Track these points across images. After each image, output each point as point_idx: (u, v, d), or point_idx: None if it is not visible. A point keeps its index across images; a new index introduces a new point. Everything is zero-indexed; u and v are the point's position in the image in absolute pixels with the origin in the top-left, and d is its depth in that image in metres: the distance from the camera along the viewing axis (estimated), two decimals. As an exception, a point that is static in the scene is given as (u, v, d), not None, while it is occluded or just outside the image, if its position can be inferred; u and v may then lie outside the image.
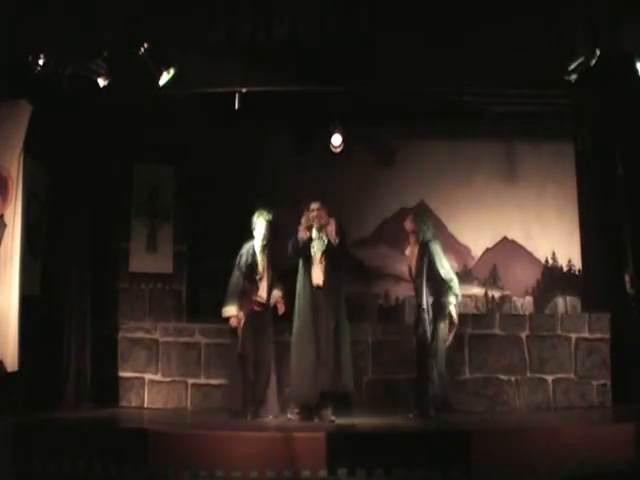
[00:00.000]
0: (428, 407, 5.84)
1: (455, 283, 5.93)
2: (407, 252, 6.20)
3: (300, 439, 5.04)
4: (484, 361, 6.53)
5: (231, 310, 6.02)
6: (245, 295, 6.04)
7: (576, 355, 6.59)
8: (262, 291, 6.10)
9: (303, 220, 6.00)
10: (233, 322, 6.02)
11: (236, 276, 6.08)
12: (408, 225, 6.13)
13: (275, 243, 6.20)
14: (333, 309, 5.88)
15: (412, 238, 6.11)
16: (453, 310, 5.88)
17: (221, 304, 6.08)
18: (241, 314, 6.01)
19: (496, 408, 6.45)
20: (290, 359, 6.01)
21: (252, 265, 6.07)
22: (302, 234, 5.97)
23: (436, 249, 6.00)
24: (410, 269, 6.13)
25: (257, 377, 6.00)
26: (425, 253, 5.98)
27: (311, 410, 5.82)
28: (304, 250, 5.96)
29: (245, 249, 6.14)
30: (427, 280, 5.92)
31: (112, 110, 6.54)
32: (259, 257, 6.12)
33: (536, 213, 7.86)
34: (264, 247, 6.12)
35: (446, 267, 5.97)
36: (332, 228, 5.93)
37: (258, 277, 6.09)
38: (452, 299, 5.89)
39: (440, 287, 5.90)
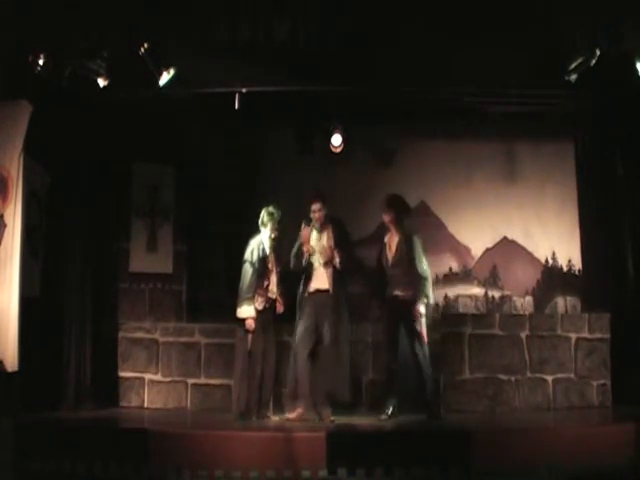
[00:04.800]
0: (433, 405, 5.85)
1: (428, 283, 5.88)
2: (386, 239, 6.06)
3: (300, 439, 5.04)
4: (484, 361, 6.52)
5: (248, 311, 5.90)
6: (257, 292, 5.93)
7: (576, 355, 6.58)
8: (272, 286, 6.02)
9: (303, 233, 5.90)
10: (250, 324, 5.88)
11: (249, 273, 5.95)
12: (386, 217, 6.03)
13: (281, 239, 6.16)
14: (337, 314, 5.85)
15: (392, 228, 6.02)
16: (421, 309, 5.78)
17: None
18: (255, 313, 5.91)
19: (496, 408, 6.44)
20: (290, 363, 5.98)
21: (263, 260, 5.99)
22: (305, 248, 5.90)
23: (418, 244, 5.92)
24: (387, 258, 6.00)
25: (263, 377, 5.94)
26: (408, 244, 5.89)
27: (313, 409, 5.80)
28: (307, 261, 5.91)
29: (254, 244, 6.04)
30: (404, 272, 5.85)
31: (112, 110, 6.54)
32: (268, 252, 6.04)
33: (536, 213, 7.87)
34: (273, 243, 6.07)
35: (424, 265, 5.90)
36: (337, 260, 5.86)
37: (269, 272, 6.00)
38: (423, 298, 5.80)
39: (417, 282, 5.82)
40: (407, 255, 5.88)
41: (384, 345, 6.03)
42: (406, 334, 5.84)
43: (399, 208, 6.05)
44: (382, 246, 6.08)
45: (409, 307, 5.78)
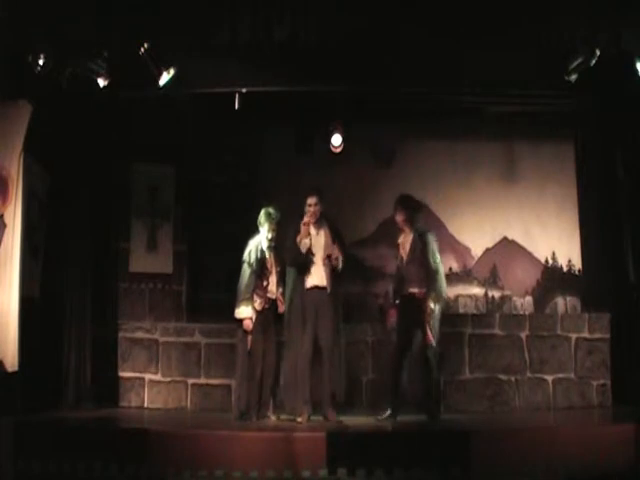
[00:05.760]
0: (433, 406, 5.83)
1: (440, 278, 5.83)
2: (400, 240, 6.05)
3: (300, 439, 5.04)
4: (484, 361, 6.53)
5: (246, 311, 5.87)
6: (255, 292, 5.91)
7: (576, 355, 6.59)
8: (272, 286, 5.99)
9: (303, 227, 5.85)
10: (247, 324, 5.86)
11: (247, 274, 5.93)
12: (399, 217, 6.00)
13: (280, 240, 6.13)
14: (335, 313, 5.82)
15: (405, 227, 6.00)
16: (431, 305, 5.72)
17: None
18: (253, 313, 5.89)
19: (496, 408, 6.44)
20: (283, 364, 5.94)
21: (262, 260, 5.96)
22: (303, 242, 5.83)
23: (432, 240, 5.91)
24: (401, 257, 5.99)
25: (263, 377, 5.91)
26: (421, 242, 5.88)
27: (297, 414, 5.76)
28: (305, 256, 5.85)
29: (253, 245, 6.02)
30: (419, 270, 5.82)
31: (112, 110, 6.54)
32: (267, 252, 6.01)
33: (536, 213, 7.87)
34: (271, 243, 6.04)
35: (437, 261, 5.87)
36: (339, 260, 5.81)
37: (267, 272, 5.97)
38: (433, 294, 5.74)
39: (429, 277, 5.78)
40: (421, 252, 5.86)
41: (394, 343, 5.97)
42: (418, 332, 5.80)
43: (411, 207, 6.05)
44: (397, 246, 6.07)
45: (422, 304, 5.76)
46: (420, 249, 5.87)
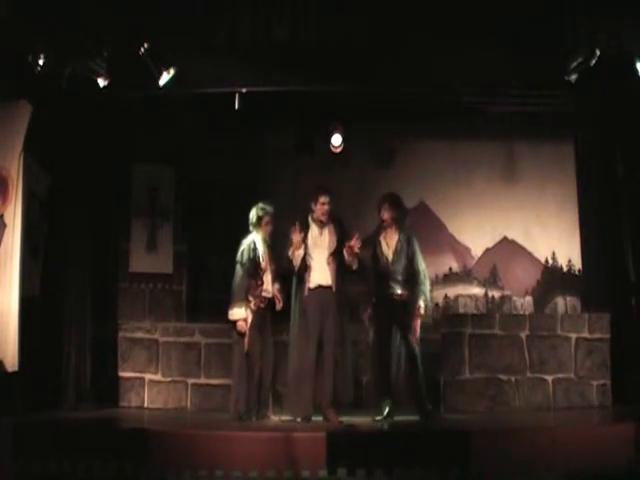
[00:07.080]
0: (425, 404, 5.84)
1: (428, 282, 5.90)
2: (381, 238, 5.99)
3: (300, 439, 5.03)
4: (484, 361, 6.52)
5: (239, 313, 5.84)
6: (250, 292, 5.87)
7: (576, 355, 6.58)
8: (267, 285, 5.94)
9: (294, 238, 5.79)
10: (241, 326, 5.83)
11: (240, 274, 5.89)
12: (387, 215, 5.96)
13: (275, 238, 6.09)
14: (341, 312, 5.82)
15: (392, 226, 5.96)
16: (422, 306, 5.75)
17: (227, 305, 5.97)
18: (248, 314, 5.87)
19: (496, 408, 6.44)
20: (288, 365, 5.92)
21: (255, 260, 5.91)
22: (297, 254, 5.82)
23: (417, 243, 5.93)
24: (385, 257, 5.92)
25: (262, 377, 5.90)
26: (408, 244, 5.88)
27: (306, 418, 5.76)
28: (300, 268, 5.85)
29: (245, 244, 5.98)
30: (403, 271, 5.84)
31: (112, 110, 6.54)
32: (261, 251, 5.98)
33: (536, 213, 7.88)
34: (265, 241, 6.02)
35: (423, 266, 5.90)
36: (355, 263, 5.82)
37: (261, 272, 5.93)
38: (422, 299, 5.78)
39: (417, 281, 5.81)
40: (407, 254, 5.87)
41: (378, 344, 5.98)
42: (401, 333, 5.82)
43: (400, 207, 6.04)
44: (376, 244, 6.01)
45: (407, 306, 5.78)
46: (406, 251, 5.88)
